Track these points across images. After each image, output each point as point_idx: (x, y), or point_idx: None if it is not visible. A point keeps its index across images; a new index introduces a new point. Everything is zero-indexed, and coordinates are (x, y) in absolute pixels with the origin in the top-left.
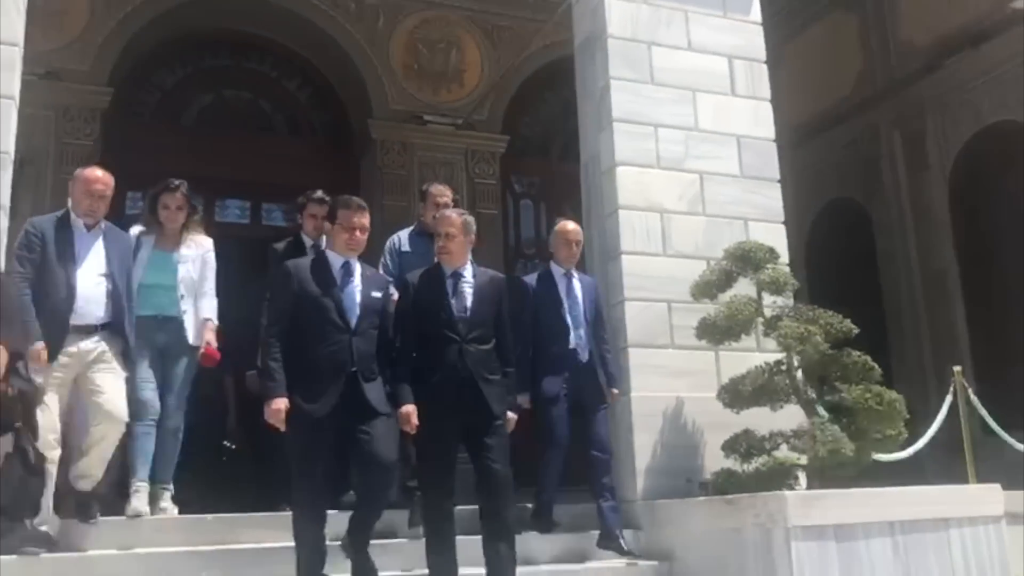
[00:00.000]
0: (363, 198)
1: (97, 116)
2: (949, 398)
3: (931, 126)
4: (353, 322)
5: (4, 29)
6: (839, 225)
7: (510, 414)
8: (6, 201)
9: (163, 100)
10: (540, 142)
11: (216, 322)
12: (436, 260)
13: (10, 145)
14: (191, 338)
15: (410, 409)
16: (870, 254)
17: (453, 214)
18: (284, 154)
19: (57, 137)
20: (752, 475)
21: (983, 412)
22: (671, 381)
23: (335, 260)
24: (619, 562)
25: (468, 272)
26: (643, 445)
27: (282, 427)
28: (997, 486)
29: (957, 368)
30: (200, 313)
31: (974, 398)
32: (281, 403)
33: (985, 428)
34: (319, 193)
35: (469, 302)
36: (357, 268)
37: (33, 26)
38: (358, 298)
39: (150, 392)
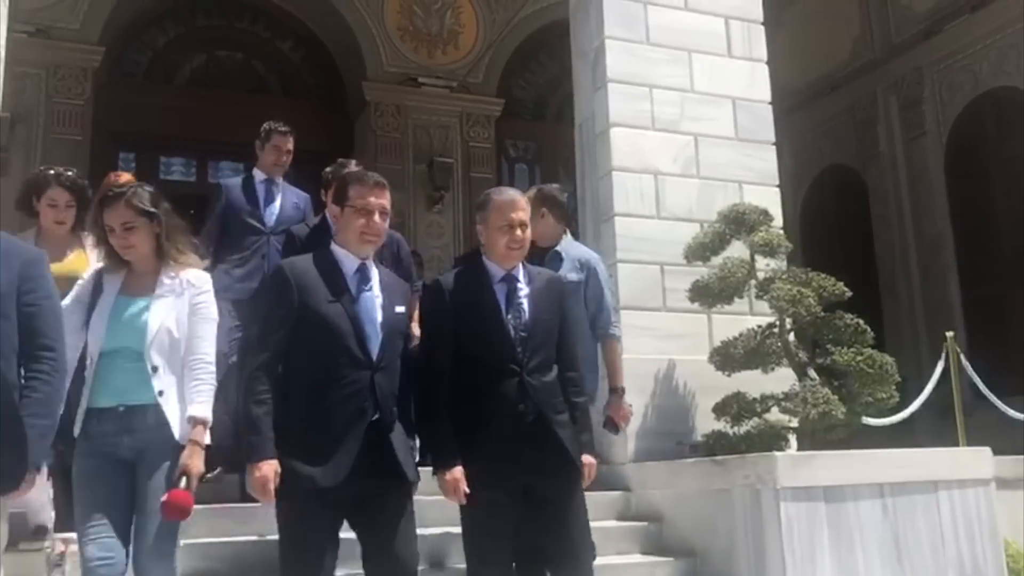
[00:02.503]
0: (357, 161)
1: (88, 75)
2: (941, 363)
3: (928, 92)
4: (376, 352)
5: None
6: (835, 191)
7: (588, 459)
8: None
9: (155, 60)
10: (535, 105)
11: (210, 419)
12: (481, 256)
13: None
14: (177, 433)
15: (458, 476)
16: (865, 220)
17: (519, 195)
18: (277, 115)
19: (48, 96)
20: (743, 437)
21: (975, 377)
22: (663, 343)
23: (347, 262)
24: (610, 523)
25: (521, 274)
26: (634, 407)
27: (269, 499)
28: (987, 449)
29: (950, 333)
30: (188, 404)
31: (966, 363)
32: (268, 468)
33: (977, 394)
34: (280, 124)
35: (526, 316)
36: (374, 272)
37: None
38: (379, 316)
39: (101, 547)
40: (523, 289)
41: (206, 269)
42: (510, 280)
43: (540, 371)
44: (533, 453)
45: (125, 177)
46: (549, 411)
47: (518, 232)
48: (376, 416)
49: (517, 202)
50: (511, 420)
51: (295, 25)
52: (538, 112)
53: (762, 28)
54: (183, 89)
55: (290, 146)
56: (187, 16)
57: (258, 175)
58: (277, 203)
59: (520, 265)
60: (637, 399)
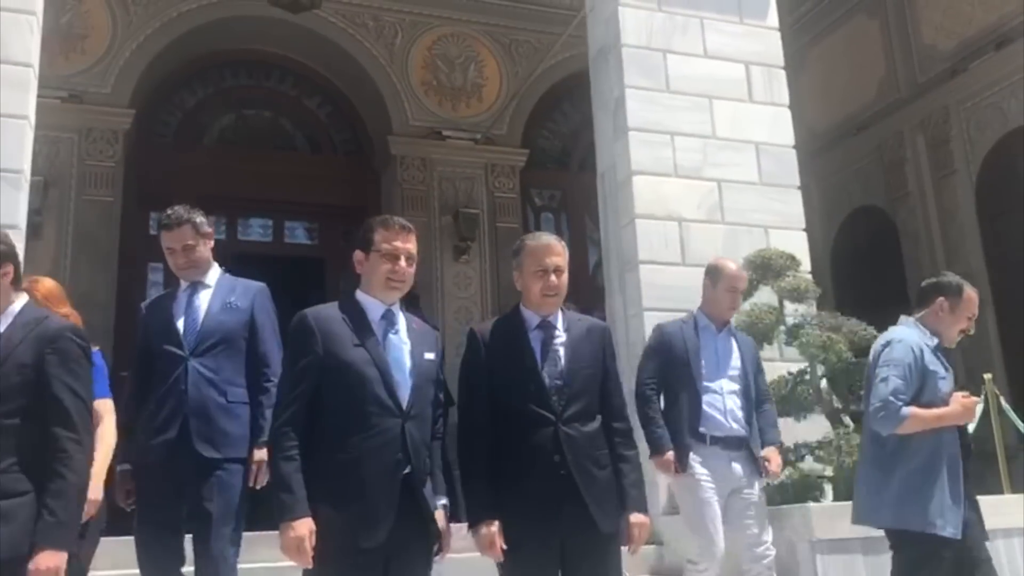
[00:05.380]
0: (384, 214)
1: (119, 138)
2: (980, 406)
3: (956, 130)
4: (406, 400)
5: (18, 50)
6: (865, 232)
7: (637, 517)
8: (22, 221)
9: (184, 121)
10: (559, 155)
11: None
12: (517, 306)
13: (24, 164)
14: None
15: (493, 532)
16: (897, 261)
17: (554, 240)
18: (305, 172)
19: (80, 159)
20: (777, 488)
21: (1017, 420)
22: None
23: (372, 307)
24: None
25: (560, 321)
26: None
27: (305, 561)
28: None
29: (988, 375)
30: None
31: (1006, 406)
32: (303, 526)
33: (1020, 437)
34: (173, 211)
35: (562, 364)
36: (401, 319)
37: (55, 49)
38: (408, 363)
39: None
40: (560, 336)
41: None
42: (546, 327)
43: (578, 421)
44: (570, 509)
45: (47, 284)
46: (587, 464)
47: (552, 278)
48: (408, 469)
49: (552, 247)
50: (546, 473)
51: (321, 82)
52: (562, 161)
53: (783, 73)
54: (212, 148)
55: (189, 240)
56: (215, 77)
57: (182, 282)
58: (201, 311)
59: (559, 312)
60: None
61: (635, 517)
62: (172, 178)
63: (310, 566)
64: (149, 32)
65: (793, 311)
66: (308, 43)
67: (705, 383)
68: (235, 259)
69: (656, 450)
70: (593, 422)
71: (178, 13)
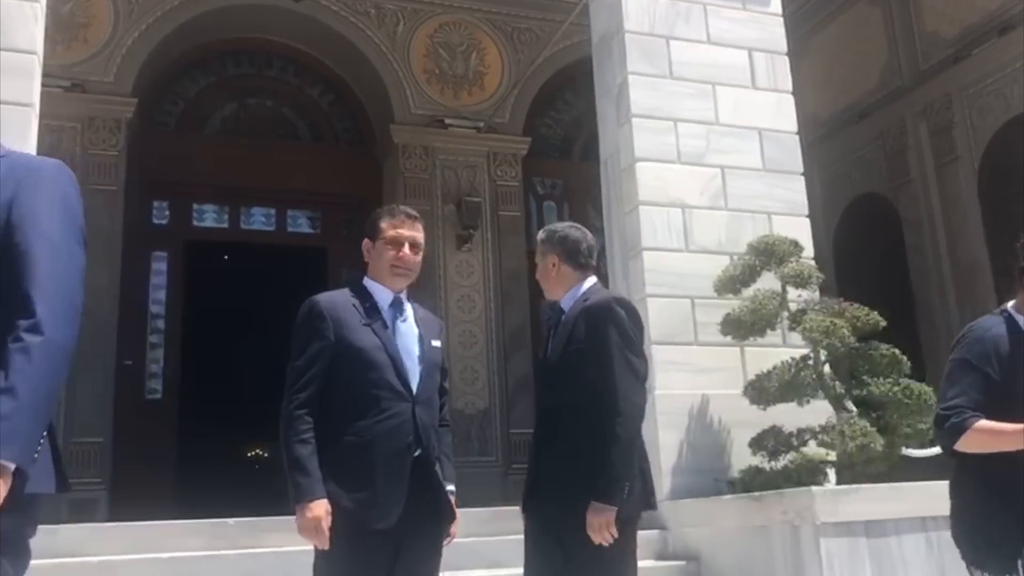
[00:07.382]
0: (386, 202)
1: (122, 126)
2: None
3: (959, 117)
4: (415, 384)
5: (22, 38)
6: (867, 220)
7: (593, 507)
8: None
9: (187, 109)
10: (562, 143)
11: None
12: None
13: (29, 152)
14: None
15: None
16: (899, 248)
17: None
18: (307, 161)
19: (83, 148)
20: (780, 472)
21: None
22: (696, 378)
23: (381, 295)
24: (648, 563)
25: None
26: (669, 444)
27: (323, 542)
28: None
29: None
30: None
31: None
32: (320, 507)
33: None
34: None
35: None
36: (408, 306)
37: (58, 38)
38: (417, 349)
39: None
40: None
41: None
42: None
43: (554, 408)
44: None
45: None
46: (549, 453)
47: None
48: (419, 452)
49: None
50: (533, 458)
51: (323, 71)
52: (565, 149)
53: (786, 59)
54: (214, 137)
55: None
56: (217, 66)
57: None
58: None
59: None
60: (672, 435)
61: (592, 507)
62: (175, 167)
63: (327, 547)
64: (151, 21)
65: (796, 297)
66: (310, 32)
67: None
68: (238, 248)
69: None
70: (568, 409)
71: (180, 1)
